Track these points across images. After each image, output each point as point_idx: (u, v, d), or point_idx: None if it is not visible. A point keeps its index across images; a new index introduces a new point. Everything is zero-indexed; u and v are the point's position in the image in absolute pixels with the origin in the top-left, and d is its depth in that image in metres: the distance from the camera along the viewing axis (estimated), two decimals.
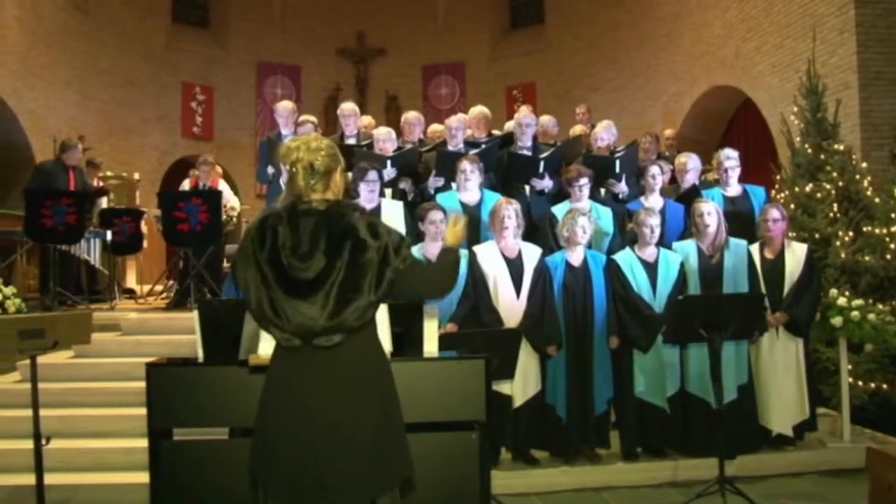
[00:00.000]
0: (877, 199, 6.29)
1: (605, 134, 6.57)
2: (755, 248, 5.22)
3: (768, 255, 5.19)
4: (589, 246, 5.13)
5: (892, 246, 5.94)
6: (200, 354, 3.55)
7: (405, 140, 6.81)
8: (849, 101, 7.64)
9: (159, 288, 8.78)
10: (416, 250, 4.71)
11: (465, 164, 5.52)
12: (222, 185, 8.46)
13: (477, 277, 4.84)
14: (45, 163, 8.25)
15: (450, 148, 6.31)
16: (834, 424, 5.36)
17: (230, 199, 8.34)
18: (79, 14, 12.64)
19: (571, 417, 4.86)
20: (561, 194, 5.91)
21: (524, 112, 6.60)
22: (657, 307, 4.93)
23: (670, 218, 5.55)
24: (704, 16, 11.06)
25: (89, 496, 4.47)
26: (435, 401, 3.33)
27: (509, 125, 7.32)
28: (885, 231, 6.03)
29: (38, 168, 8.15)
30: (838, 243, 5.97)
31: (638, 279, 4.97)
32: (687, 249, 5.14)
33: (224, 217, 7.64)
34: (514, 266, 4.87)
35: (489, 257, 4.89)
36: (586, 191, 5.52)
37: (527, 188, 6.14)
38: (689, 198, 5.68)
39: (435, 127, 7.63)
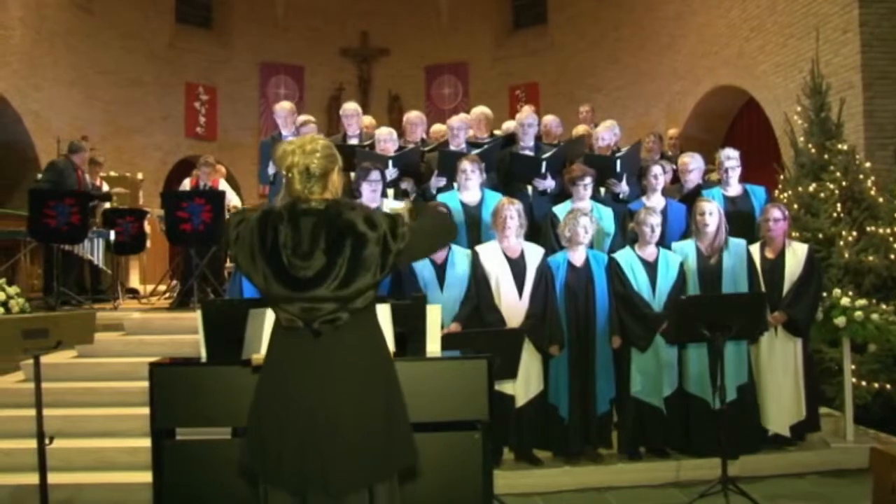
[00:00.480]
0: (880, 199, 6.28)
1: (606, 134, 6.56)
2: (756, 248, 5.21)
3: (769, 254, 5.18)
4: (591, 246, 5.13)
5: None
6: (203, 354, 3.55)
7: (407, 140, 6.81)
8: (852, 101, 7.62)
9: (162, 288, 8.79)
10: None
11: (466, 165, 5.52)
12: (223, 186, 8.47)
13: (479, 277, 4.84)
14: (58, 160, 8.27)
15: (452, 148, 6.31)
16: (837, 425, 5.35)
17: (232, 199, 8.35)
18: (83, 14, 12.66)
19: (574, 417, 4.86)
20: (563, 194, 5.91)
21: (526, 112, 6.59)
22: (656, 306, 4.92)
23: (672, 218, 5.55)
24: (708, 15, 11.05)
25: (92, 496, 4.48)
26: (437, 400, 3.33)
27: (507, 125, 7.30)
28: (888, 231, 6.02)
29: (51, 164, 8.16)
30: (842, 243, 5.96)
31: (638, 278, 4.96)
32: (686, 249, 5.14)
33: (227, 217, 7.64)
34: (517, 266, 4.87)
35: (492, 257, 4.89)
36: (589, 190, 5.51)
37: (529, 188, 6.14)
38: (692, 198, 5.67)
39: (437, 127, 7.63)
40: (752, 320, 4.58)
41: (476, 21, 15.90)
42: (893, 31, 7.76)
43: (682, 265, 5.04)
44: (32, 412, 3.85)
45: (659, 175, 5.68)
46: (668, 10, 12.21)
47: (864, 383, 5.52)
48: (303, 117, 7.20)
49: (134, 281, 9.86)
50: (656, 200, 5.62)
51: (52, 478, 3.97)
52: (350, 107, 6.98)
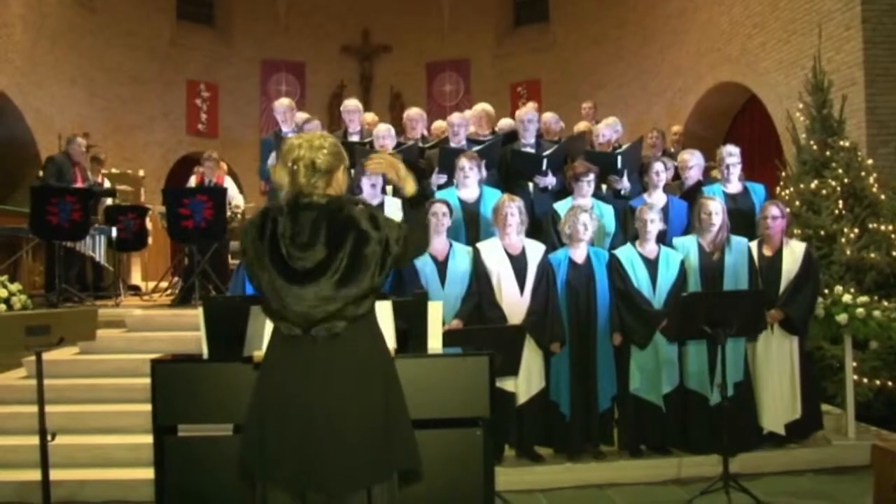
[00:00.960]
0: (882, 196, 6.27)
1: (606, 130, 6.56)
2: (754, 245, 5.21)
3: (767, 252, 5.17)
4: (592, 243, 5.13)
5: None
6: (205, 351, 3.55)
7: (408, 137, 6.81)
8: (855, 98, 7.61)
9: (164, 284, 8.80)
10: None
11: (464, 162, 5.51)
12: (228, 182, 8.47)
13: (481, 274, 4.84)
14: (55, 155, 8.28)
15: (452, 145, 6.31)
16: (839, 422, 5.35)
17: (234, 197, 8.35)
18: (84, 12, 12.67)
19: (575, 414, 4.86)
20: (564, 191, 5.90)
21: (527, 109, 6.59)
22: (657, 304, 4.92)
23: (674, 215, 5.55)
24: (710, 12, 11.04)
25: (95, 492, 4.49)
26: (439, 397, 3.33)
27: (503, 123, 7.29)
28: (890, 228, 6.01)
29: (49, 159, 8.17)
30: (843, 240, 5.95)
31: (638, 275, 4.96)
32: (688, 246, 5.13)
33: (228, 214, 7.64)
34: (518, 263, 4.87)
35: (493, 254, 4.89)
36: (591, 187, 5.51)
37: (530, 185, 6.13)
38: (692, 195, 5.67)
39: (438, 124, 7.63)
40: (753, 318, 4.58)
41: (477, 18, 15.89)
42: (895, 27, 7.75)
43: (682, 262, 5.03)
44: (35, 409, 3.86)
45: (661, 172, 5.68)
46: (670, 7, 12.19)
47: (865, 380, 5.52)
48: (304, 115, 7.19)
49: (136, 278, 9.87)
50: (658, 197, 5.62)
51: (55, 474, 3.97)
52: (351, 104, 6.98)
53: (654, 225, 5.02)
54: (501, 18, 16.04)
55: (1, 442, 4.86)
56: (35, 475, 3.93)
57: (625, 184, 6.07)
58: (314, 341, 2.41)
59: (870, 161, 6.68)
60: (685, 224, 5.52)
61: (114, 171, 10.18)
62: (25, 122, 10.88)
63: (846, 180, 6.24)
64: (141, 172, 11.27)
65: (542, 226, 5.63)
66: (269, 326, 2.89)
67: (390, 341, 2.94)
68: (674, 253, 5.08)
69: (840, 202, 6.17)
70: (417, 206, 2.71)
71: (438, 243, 4.86)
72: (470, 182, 5.54)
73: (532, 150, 6.21)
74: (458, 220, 5.42)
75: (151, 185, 12.49)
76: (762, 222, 5.18)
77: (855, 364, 5.37)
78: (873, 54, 7.75)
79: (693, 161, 5.96)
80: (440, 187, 5.93)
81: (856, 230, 6.04)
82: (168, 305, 7.35)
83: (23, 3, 10.88)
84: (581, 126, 7.36)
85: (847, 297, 5.23)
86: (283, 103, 6.96)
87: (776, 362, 5.05)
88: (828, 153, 6.42)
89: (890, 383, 5.55)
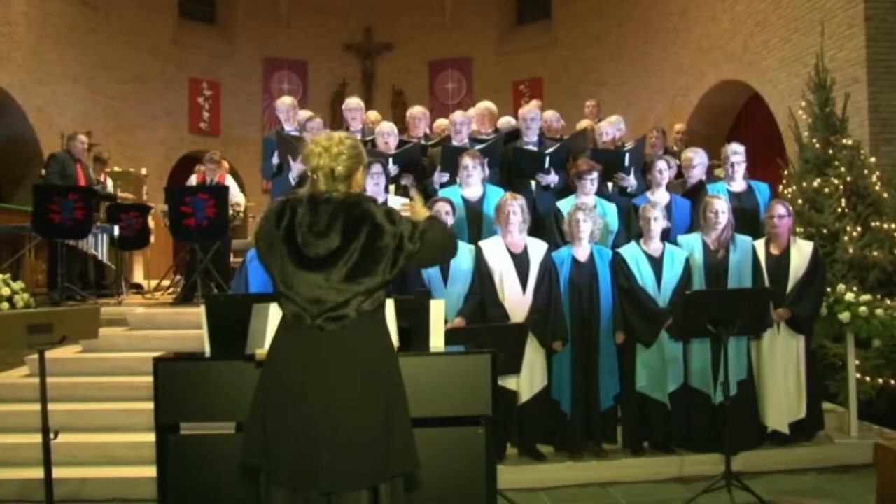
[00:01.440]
0: (885, 195, 6.25)
1: (609, 128, 6.55)
2: (761, 244, 5.20)
3: (774, 251, 5.17)
4: (596, 241, 5.12)
5: None
6: (207, 349, 3.55)
7: (410, 135, 6.80)
8: (857, 96, 7.59)
9: (166, 283, 8.81)
10: None
11: (468, 160, 5.51)
12: (229, 182, 8.47)
13: (483, 272, 4.84)
14: (57, 153, 8.29)
15: (455, 143, 6.30)
16: (841, 420, 5.35)
17: (235, 196, 8.36)
18: (86, 10, 12.67)
19: (577, 413, 4.86)
20: (567, 189, 5.89)
21: (529, 107, 6.58)
22: (661, 302, 4.92)
23: (677, 213, 5.54)
24: (712, 10, 11.02)
25: (97, 490, 4.49)
26: (441, 396, 3.33)
27: (503, 121, 7.28)
28: (893, 226, 6.00)
29: (52, 157, 8.17)
30: (846, 238, 5.94)
31: (643, 273, 4.96)
32: (692, 244, 5.13)
33: (230, 213, 7.65)
34: (520, 261, 4.87)
35: (495, 252, 4.89)
36: (595, 185, 5.51)
37: (532, 183, 6.13)
38: (696, 193, 5.66)
39: (440, 122, 7.62)
40: (756, 316, 4.58)
41: (480, 16, 15.88)
42: None
43: (687, 260, 5.03)
44: (37, 407, 3.87)
45: (664, 170, 5.67)
46: (672, 5, 12.17)
47: (868, 379, 5.51)
48: (307, 113, 7.19)
49: (138, 276, 9.87)
50: (660, 195, 5.61)
51: (57, 472, 3.98)
52: (353, 102, 6.98)
53: (658, 223, 5.02)
54: (503, 16, 16.03)
55: (3, 440, 4.87)
56: (38, 473, 3.94)
57: (631, 181, 6.07)
58: (321, 332, 2.42)
59: (872, 159, 6.67)
60: (688, 222, 5.52)
61: (116, 169, 10.17)
62: (28, 120, 10.89)
63: (849, 178, 6.23)
64: (143, 171, 11.27)
65: (545, 224, 5.62)
66: (271, 325, 2.89)
67: (393, 339, 2.94)
68: (678, 251, 5.07)
69: (843, 200, 6.15)
70: (434, 220, 2.77)
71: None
72: (473, 181, 5.54)
73: (535, 149, 6.20)
74: (462, 219, 5.42)
75: (153, 183, 12.50)
76: (768, 221, 5.18)
77: (857, 362, 5.36)
78: (876, 52, 7.73)
79: (697, 160, 5.94)
80: (442, 186, 5.93)
81: (858, 228, 6.03)
82: (170, 304, 7.36)
83: (25, 1, 10.88)
84: (583, 124, 7.34)
85: (850, 296, 5.23)
86: (285, 102, 6.96)
87: (782, 361, 5.04)
88: (830, 151, 6.41)
89: (892, 382, 5.54)
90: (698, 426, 4.94)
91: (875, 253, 5.88)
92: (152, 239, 8.93)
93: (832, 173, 6.29)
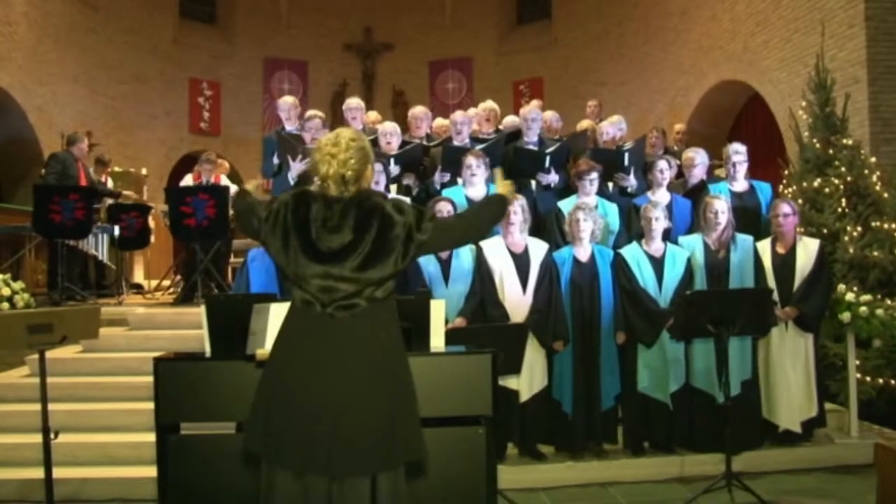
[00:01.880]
0: (885, 195, 6.25)
1: (610, 128, 6.55)
2: (767, 243, 5.20)
3: (780, 250, 5.17)
4: (597, 241, 5.12)
5: None
6: (207, 349, 3.56)
7: (412, 135, 6.80)
8: (858, 96, 7.59)
9: (167, 283, 8.81)
10: None
11: (471, 160, 5.50)
12: (225, 182, 8.47)
13: (483, 272, 4.84)
14: (59, 153, 8.28)
15: (455, 143, 6.30)
16: (841, 420, 5.35)
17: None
18: (86, 10, 12.67)
19: (577, 413, 4.86)
20: (567, 189, 5.89)
21: (530, 107, 6.58)
22: (663, 302, 4.92)
23: (678, 213, 5.54)
24: (712, 10, 11.02)
25: (97, 490, 4.49)
26: (441, 396, 3.32)
27: (508, 121, 7.28)
28: (893, 226, 6.00)
29: (53, 156, 8.16)
30: (846, 238, 5.94)
31: (644, 274, 4.96)
32: (693, 244, 5.13)
33: (231, 212, 7.65)
34: (521, 261, 4.87)
35: (495, 252, 4.89)
36: (595, 185, 5.51)
37: (533, 183, 6.13)
38: (696, 193, 5.66)
39: (440, 122, 7.62)
40: (758, 316, 4.58)
41: (480, 16, 15.89)
42: None
43: (689, 261, 5.03)
44: (37, 407, 3.87)
45: (664, 170, 5.67)
46: (672, 5, 12.17)
47: (868, 379, 5.51)
48: (310, 112, 7.18)
49: (138, 276, 9.88)
50: (661, 195, 5.61)
51: (58, 472, 3.98)
52: (353, 102, 6.97)
53: (659, 223, 5.02)
54: (504, 16, 16.03)
55: (4, 440, 4.87)
56: (38, 473, 3.94)
57: (632, 181, 6.06)
58: (331, 320, 2.44)
59: (873, 159, 6.66)
60: (689, 222, 5.52)
61: (116, 169, 10.17)
62: (28, 120, 10.89)
63: (849, 178, 6.23)
64: (143, 171, 11.28)
65: (545, 224, 5.62)
66: (272, 325, 2.89)
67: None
68: (679, 251, 5.07)
69: (843, 200, 6.15)
70: (493, 198, 2.90)
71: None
72: (477, 180, 5.53)
73: (535, 148, 6.20)
74: None
75: (154, 183, 12.51)
76: (773, 220, 5.18)
77: (858, 362, 5.36)
78: (876, 52, 7.73)
79: (698, 160, 5.94)
80: (443, 186, 5.93)
81: (859, 228, 6.02)
82: (170, 304, 7.36)
83: (25, 1, 10.89)
84: (584, 124, 7.34)
85: (850, 296, 5.23)
86: (287, 101, 6.95)
87: (791, 360, 5.05)
88: (831, 151, 6.41)
89: (893, 382, 5.54)
90: (701, 426, 4.93)
91: (875, 253, 5.87)
92: (152, 239, 8.93)
93: (832, 173, 6.29)
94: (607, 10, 13.94)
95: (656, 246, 5.04)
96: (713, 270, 5.02)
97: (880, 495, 3.61)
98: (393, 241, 2.48)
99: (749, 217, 5.48)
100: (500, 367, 3.56)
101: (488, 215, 2.88)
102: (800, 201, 6.25)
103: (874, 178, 6.32)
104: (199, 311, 3.64)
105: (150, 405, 3.36)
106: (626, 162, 6.04)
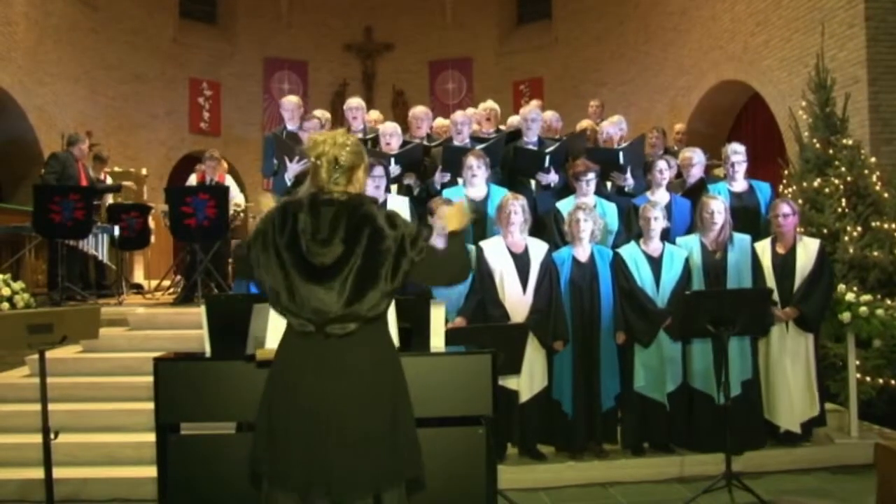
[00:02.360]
0: (885, 195, 6.25)
1: (611, 129, 6.54)
2: (767, 243, 5.20)
3: (780, 250, 5.17)
4: (596, 241, 5.12)
5: None
6: (208, 349, 3.56)
7: (413, 135, 6.80)
8: (858, 96, 7.59)
9: (167, 283, 8.81)
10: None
11: (472, 161, 5.49)
12: (228, 181, 8.48)
13: (483, 272, 4.84)
14: (59, 153, 8.28)
15: (456, 143, 6.30)
16: (841, 420, 5.35)
17: (235, 196, 8.36)
18: (87, 10, 12.67)
19: (577, 413, 4.86)
20: (567, 189, 5.89)
21: (531, 107, 6.58)
22: (660, 302, 4.92)
23: (677, 213, 5.54)
24: (713, 10, 11.02)
25: (97, 490, 4.49)
26: (442, 396, 3.33)
27: (512, 120, 7.29)
28: (893, 226, 6.00)
29: (52, 156, 8.16)
30: (846, 238, 5.94)
31: (642, 273, 4.96)
32: (691, 244, 5.13)
33: (230, 212, 7.65)
34: (521, 261, 4.87)
35: (495, 252, 4.89)
36: (593, 186, 5.50)
37: (532, 183, 6.13)
38: (695, 193, 5.66)
39: (440, 122, 7.62)
40: (757, 316, 4.58)
41: (480, 16, 15.88)
42: None
43: (686, 261, 5.03)
44: (38, 407, 3.87)
45: (664, 170, 5.67)
46: (673, 5, 12.17)
47: (868, 379, 5.51)
48: (316, 112, 7.19)
49: (138, 276, 9.88)
50: (661, 195, 5.61)
51: (58, 472, 3.98)
52: (354, 102, 6.97)
53: (658, 223, 5.02)
54: (504, 16, 16.03)
55: (4, 440, 4.87)
56: (38, 473, 3.94)
57: (628, 180, 6.06)
58: (327, 339, 2.42)
59: (873, 159, 6.66)
60: (688, 222, 5.52)
61: (116, 169, 10.18)
62: (28, 120, 10.89)
63: (849, 178, 6.23)
64: (143, 171, 11.28)
65: (545, 224, 5.62)
66: (272, 324, 2.89)
67: (394, 340, 2.93)
68: (678, 251, 5.07)
69: (843, 200, 6.15)
70: (453, 238, 2.71)
71: (443, 242, 4.85)
72: (477, 181, 5.53)
73: (534, 148, 6.20)
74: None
75: (154, 183, 12.51)
76: (773, 220, 5.18)
77: (858, 363, 5.36)
78: (876, 52, 7.73)
79: (696, 159, 5.97)
80: (444, 186, 5.92)
81: (859, 228, 6.02)
82: (170, 304, 7.36)
83: (26, 1, 10.89)
84: (583, 124, 7.34)
85: (850, 296, 5.23)
86: (291, 101, 6.94)
87: (791, 360, 5.05)
88: (831, 151, 6.41)
89: (893, 382, 5.54)
90: (701, 427, 4.93)
91: (875, 253, 5.87)
92: (153, 239, 8.93)
93: (832, 173, 6.29)
94: (608, 10, 13.94)
95: (654, 246, 5.04)
96: (710, 271, 5.02)
97: (880, 495, 3.61)
98: (383, 254, 2.42)
99: (748, 217, 5.48)
100: (500, 367, 3.56)
101: (456, 268, 2.73)
102: (800, 201, 6.26)
103: (874, 178, 6.32)
104: (199, 311, 3.63)
105: (150, 405, 3.36)
106: (622, 161, 6.04)
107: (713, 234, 5.06)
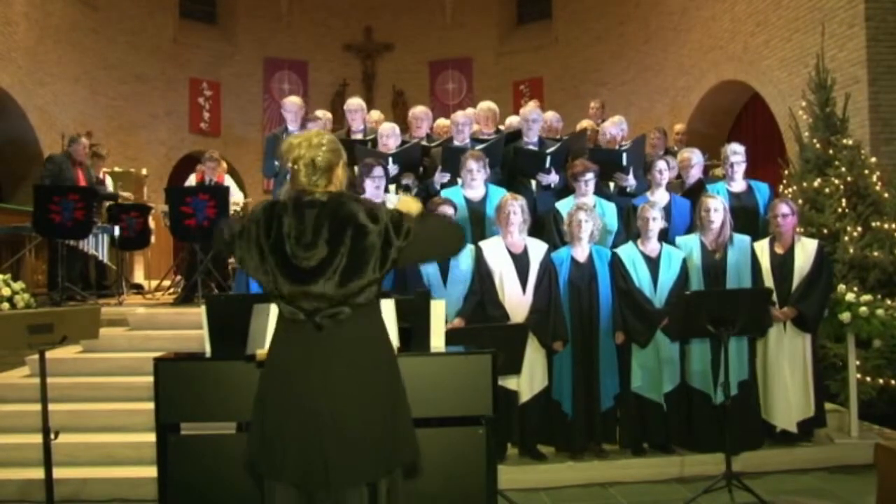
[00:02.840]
0: (885, 195, 6.25)
1: (613, 129, 6.54)
2: (766, 243, 5.20)
3: (778, 250, 5.17)
4: (595, 241, 5.12)
5: None
6: (208, 349, 3.56)
7: (412, 135, 6.80)
8: (858, 96, 7.60)
9: (167, 283, 8.81)
10: None
11: (472, 164, 5.49)
12: (227, 181, 8.48)
13: (483, 273, 4.85)
14: (55, 155, 8.29)
15: (456, 143, 6.30)
16: (842, 420, 5.35)
17: (235, 195, 8.36)
18: (87, 10, 12.68)
19: (577, 413, 4.86)
20: (566, 189, 5.89)
21: (531, 107, 6.58)
22: (657, 302, 4.92)
23: (676, 213, 5.54)
24: (713, 10, 11.02)
25: (98, 490, 4.50)
26: (441, 396, 3.32)
27: (511, 121, 7.28)
28: (893, 226, 6.00)
29: (49, 158, 8.18)
30: (846, 238, 5.94)
31: (639, 274, 4.96)
32: (690, 244, 5.13)
33: (231, 212, 7.65)
34: (520, 261, 4.87)
35: (495, 253, 4.89)
36: (591, 186, 5.50)
37: (533, 183, 6.13)
38: (695, 193, 5.66)
39: (441, 122, 7.62)
40: (756, 316, 4.58)
41: (480, 16, 15.89)
42: None
43: (684, 261, 5.03)
44: (38, 407, 3.87)
45: (664, 170, 5.67)
46: (673, 5, 12.18)
47: (868, 379, 5.51)
48: (318, 112, 7.19)
49: (138, 276, 9.88)
50: (660, 196, 5.61)
51: (58, 472, 3.98)
52: (354, 102, 6.97)
53: (656, 223, 5.02)
54: (504, 16, 16.03)
55: (4, 440, 4.87)
56: (38, 473, 3.94)
57: (630, 180, 6.06)
58: (318, 329, 2.42)
59: (873, 159, 6.66)
60: (688, 222, 5.52)
61: (116, 169, 10.18)
62: (28, 120, 10.89)
63: (849, 178, 6.23)
64: (143, 171, 11.28)
65: (545, 224, 5.62)
66: (272, 323, 2.89)
67: (393, 340, 2.93)
68: (675, 251, 5.07)
69: (843, 200, 6.15)
70: (426, 216, 2.71)
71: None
72: (476, 184, 5.53)
73: (535, 149, 6.20)
74: (464, 219, 5.42)
75: (154, 183, 12.51)
76: (772, 220, 5.18)
77: (858, 363, 5.36)
78: (876, 52, 7.73)
79: (695, 159, 5.98)
80: (443, 186, 5.93)
81: (859, 228, 6.02)
82: (171, 304, 7.36)
83: (26, 1, 10.89)
84: (583, 124, 7.34)
85: (850, 296, 5.23)
86: (294, 102, 6.94)
87: (789, 360, 5.05)
88: (831, 151, 6.41)
89: (893, 382, 5.54)
90: (699, 426, 4.93)
91: (875, 253, 5.87)
92: (153, 239, 8.93)
93: (832, 173, 6.29)
94: (608, 10, 13.94)
95: (652, 246, 5.04)
96: (710, 271, 5.03)
97: (880, 495, 3.60)
98: (368, 251, 2.42)
99: (747, 217, 5.48)
100: (500, 368, 3.56)
101: (448, 232, 2.74)
102: (800, 201, 6.26)
103: (874, 178, 6.33)
104: (200, 311, 3.63)
105: (150, 405, 3.36)
106: (625, 162, 6.04)
107: (713, 234, 5.06)
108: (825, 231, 6.05)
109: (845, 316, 5.16)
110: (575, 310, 4.91)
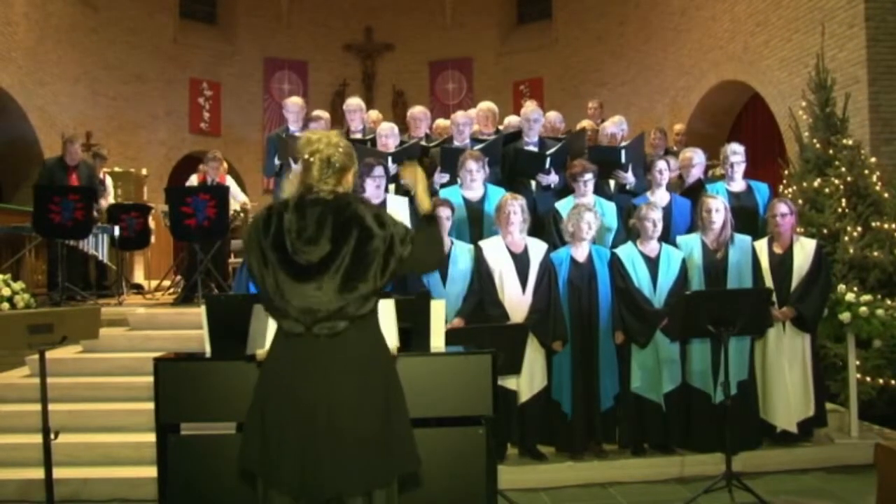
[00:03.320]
0: (885, 195, 6.25)
1: (613, 128, 6.54)
2: (764, 243, 5.20)
3: (777, 249, 5.17)
4: (594, 241, 5.12)
5: None
6: (208, 349, 3.56)
7: (411, 135, 6.80)
8: (858, 96, 7.60)
9: (167, 283, 8.81)
10: None
11: (471, 165, 5.48)
12: (229, 181, 8.48)
13: (483, 272, 4.84)
14: (49, 160, 8.29)
15: (456, 143, 6.30)
16: (842, 420, 5.35)
17: (236, 196, 8.36)
18: (87, 10, 12.68)
19: (577, 413, 4.86)
20: (566, 189, 5.89)
21: (531, 107, 6.57)
22: (657, 302, 4.92)
23: (677, 213, 5.54)
24: (713, 10, 11.02)
25: (98, 490, 4.50)
26: (441, 396, 3.33)
27: (509, 120, 7.28)
28: (893, 226, 6.00)
29: (42, 164, 8.20)
30: (846, 238, 5.94)
31: (639, 274, 4.96)
32: (691, 244, 5.13)
33: (231, 213, 7.65)
34: (520, 261, 4.87)
35: (495, 252, 4.89)
36: (591, 186, 5.50)
37: (532, 183, 6.12)
38: (694, 193, 5.67)
39: (440, 122, 7.61)
40: (757, 316, 4.58)
41: (480, 16, 15.88)
42: None
43: (683, 261, 5.03)
44: (38, 407, 3.86)
45: (664, 170, 5.67)
46: (673, 5, 12.18)
47: (868, 379, 5.51)
48: (315, 112, 7.19)
49: (138, 276, 9.88)
50: (661, 195, 5.61)
51: (58, 473, 3.98)
52: (353, 102, 6.97)
53: (658, 224, 5.01)
54: (504, 16, 16.03)
55: (4, 440, 4.88)
56: (38, 473, 3.94)
57: (630, 178, 6.06)
58: (316, 340, 2.42)
59: (873, 159, 6.67)
60: (689, 222, 5.52)
61: (116, 169, 10.20)
62: (28, 120, 10.89)
63: (849, 178, 6.23)
64: (144, 171, 11.28)
65: (544, 224, 5.62)
66: (272, 325, 2.89)
67: (393, 340, 2.94)
68: (675, 252, 5.07)
69: (843, 200, 6.15)
70: (431, 222, 2.72)
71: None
72: (476, 185, 5.53)
73: (535, 149, 6.20)
74: (463, 219, 5.42)
75: (154, 183, 12.51)
76: (771, 220, 5.18)
77: (858, 363, 5.36)
78: (876, 52, 7.73)
79: (696, 159, 5.97)
80: (442, 186, 5.92)
81: (859, 228, 6.02)
82: (171, 304, 7.36)
83: (26, 2, 10.89)
84: (583, 123, 7.34)
85: (850, 296, 5.22)
86: (296, 102, 6.93)
87: (788, 360, 5.05)
88: (831, 151, 6.41)
89: (893, 382, 5.54)
90: (698, 426, 4.93)
91: (875, 253, 5.87)
92: (153, 239, 8.93)
93: (832, 173, 6.29)
94: (608, 10, 13.94)
95: (651, 246, 5.04)
96: (711, 270, 5.03)
97: (880, 495, 3.61)
98: (371, 255, 2.42)
99: (746, 217, 5.48)
100: (500, 368, 3.56)
101: (435, 252, 2.73)
102: (800, 201, 6.26)
103: (874, 178, 6.33)
104: (199, 312, 3.64)
105: (150, 405, 3.37)
106: (623, 159, 6.04)
107: (713, 234, 5.06)
108: (825, 231, 6.05)
109: (845, 316, 5.16)
110: (574, 310, 4.91)
